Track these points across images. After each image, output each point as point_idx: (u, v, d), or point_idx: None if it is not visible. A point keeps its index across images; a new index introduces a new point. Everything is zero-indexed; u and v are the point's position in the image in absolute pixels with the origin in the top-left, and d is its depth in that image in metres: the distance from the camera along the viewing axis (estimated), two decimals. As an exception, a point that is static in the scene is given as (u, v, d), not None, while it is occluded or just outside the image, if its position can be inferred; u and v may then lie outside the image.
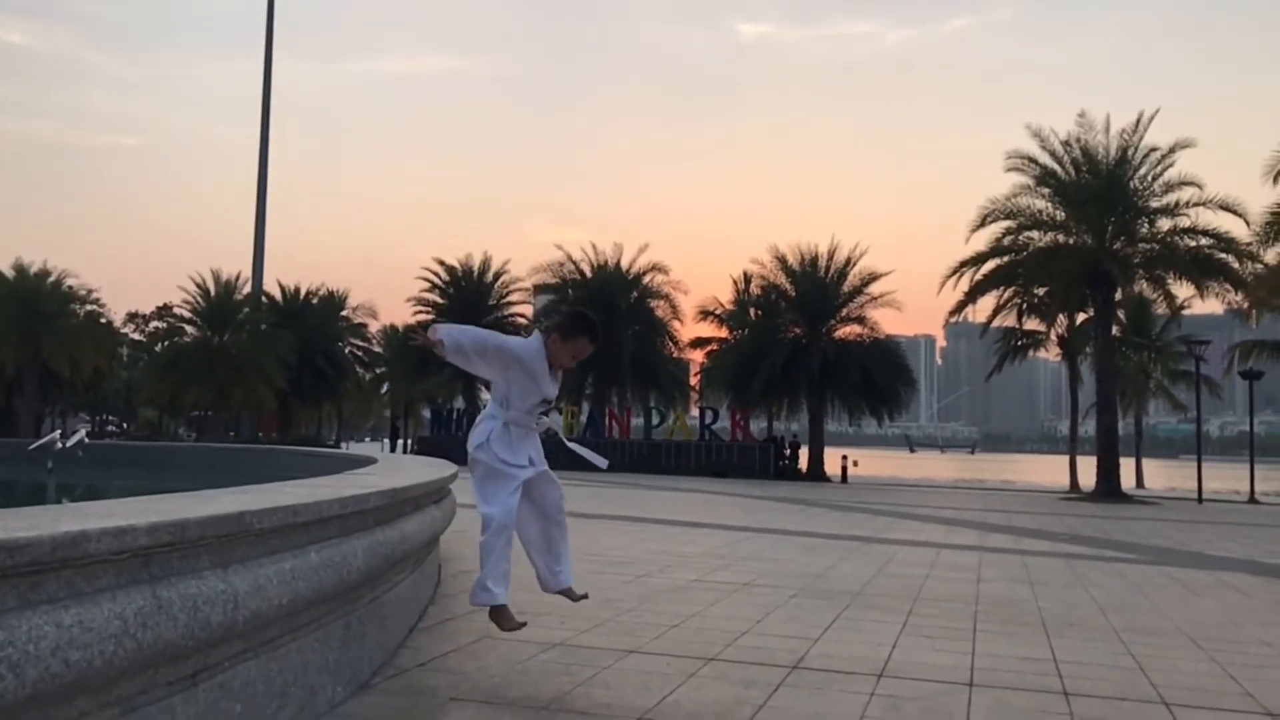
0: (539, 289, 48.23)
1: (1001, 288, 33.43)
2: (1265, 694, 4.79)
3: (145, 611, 2.56)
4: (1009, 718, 4.19)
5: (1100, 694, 4.66)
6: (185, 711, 2.87)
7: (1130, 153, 30.52)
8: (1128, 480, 34.74)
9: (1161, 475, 58.22)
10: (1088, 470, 33.84)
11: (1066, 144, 31.03)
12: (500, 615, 4.53)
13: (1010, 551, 11.87)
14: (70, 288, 51.74)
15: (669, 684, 4.54)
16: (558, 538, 4.78)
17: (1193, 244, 29.57)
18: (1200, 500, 30.17)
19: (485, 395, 53.98)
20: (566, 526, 4.83)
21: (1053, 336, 42.65)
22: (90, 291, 53.25)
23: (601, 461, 5.35)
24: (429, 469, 6.80)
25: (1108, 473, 29.97)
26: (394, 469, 6.71)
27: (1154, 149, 30.29)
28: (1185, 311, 36.06)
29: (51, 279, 50.73)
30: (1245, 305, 30.23)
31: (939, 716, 4.17)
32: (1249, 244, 28.49)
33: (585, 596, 4.92)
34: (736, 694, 4.41)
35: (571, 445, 5.32)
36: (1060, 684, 4.84)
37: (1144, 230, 30.43)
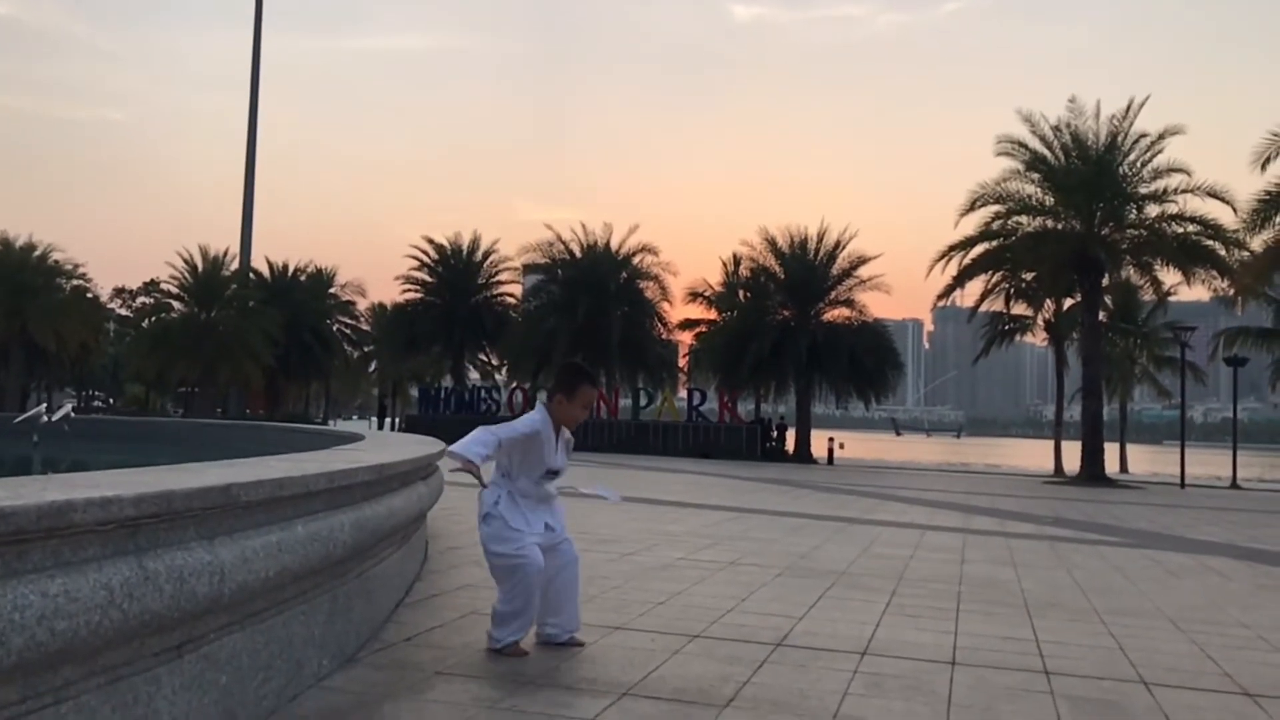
0: (528, 269, 48.01)
1: (989, 272, 33.49)
2: (1243, 674, 4.85)
3: (131, 582, 2.56)
4: (991, 695, 4.23)
5: (1081, 673, 4.71)
6: (171, 682, 2.88)
7: (1120, 139, 30.55)
8: (1112, 465, 34.95)
9: (1145, 460, 58.61)
10: (1072, 455, 34.02)
11: (1057, 129, 31.05)
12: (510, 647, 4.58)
13: (994, 534, 11.94)
14: (56, 262, 51.45)
15: (653, 660, 4.57)
16: (565, 599, 4.72)
17: (1180, 230, 29.65)
18: (1183, 485, 30.39)
19: (474, 375, 54.12)
20: (574, 600, 4.77)
21: (1040, 321, 42.77)
22: (77, 266, 53.02)
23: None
24: (417, 446, 6.81)
25: (1092, 457, 30.13)
26: (381, 445, 6.71)
27: (1143, 135, 30.33)
28: (1171, 298, 36.25)
29: (37, 253, 50.42)
30: (1231, 292, 30.32)
31: (921, 694, 4.21)
32: (1236, 231, 28.57)
33: (581, 645, 4.76)
34: (721, 670, 4.44)
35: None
36: (1041, 663, 4.89)
37: (1132, 216, 30.49)
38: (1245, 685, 4.62)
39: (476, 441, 4.48)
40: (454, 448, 4.45)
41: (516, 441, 4.58)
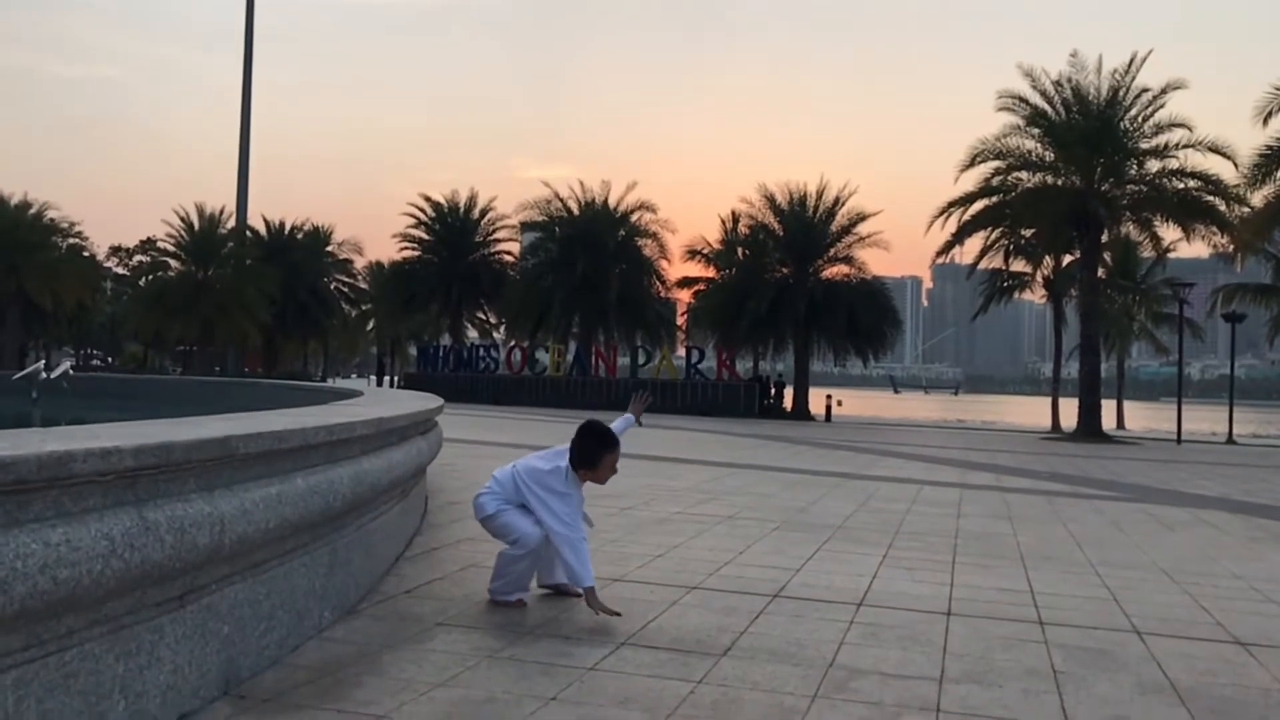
0: (526, 226, 47.79)
1: (989, 228, 33.37)
2: (1235, 624, 4.90)
3: (132, 532, 2.58)
4: (986, 645, 4.27)
5: (1075, 623, 4.76)
6: (173, 632, 2.90)
7: (1121, 93, 30.28)
8: (1109, 421, 35.06)
9: (1142, 417, 58.79)
10: (1070, 411, 34.12)
11: (1058, 84, 30.77)
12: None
13: (991, 489, 12.01)
14: (52, 220, 51.25)
15: (652, 611, 4.61)
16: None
17: (1180, 186, 29.49)
18: (1179, 441, 30.52)
19: (472, 333, 54.02)
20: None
21: (1039, 278, 42.79)
22: (73, 224, 52.87)
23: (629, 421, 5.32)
24: (416, 401, 6.83)
25: (1089, 413, 30.20)
26: (380, 401, 6.73)
27: (1145, 90, 30.04)
28: (1170, 255, 36.14)
29: (33, 211, 50.17)
30: (1231, 248, 30.23)
31: (917, 643, 4.25)
32: (1236, 186, 28.41)
33: (579, 595, 4.75)
34: (718, 621, 4.48)
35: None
36: (1036, 614, 4.94)
37: (1132, 172, 30.32)
38: (1238, 635, 4.67)
39: (586, 554, 4.44)
40: (588, 581, 4.36)
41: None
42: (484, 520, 4.67)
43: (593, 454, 4.63)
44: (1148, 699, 3.61)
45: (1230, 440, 32.50)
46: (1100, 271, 34.74)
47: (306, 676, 3.43)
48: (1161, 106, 29.82)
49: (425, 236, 50.27)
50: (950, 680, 3.72)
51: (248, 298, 47.22)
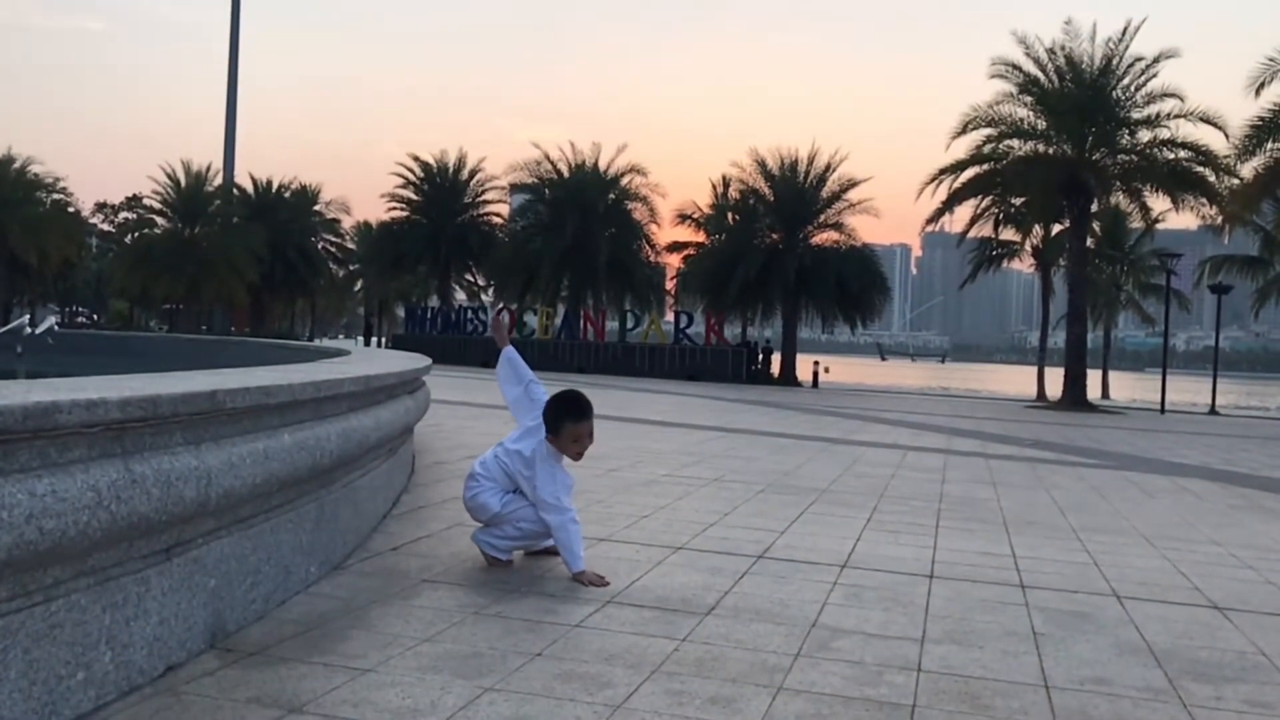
0: (515, 188, 47.58)
1: (979, 196, 33.32)
2: (1212, 588, 4.97)
3: (119, 484, 2.57)
4: (967, 607, 4.32)
5: (1055, 587, 4.81)
6: (160, 584, 2.91)
7: (1115, 62, 30.18)
8: (1094, 391, 35.27)
9: (1127, 387, 59.14)
10: (1055, 381, 34.31)
11: (1051, 51, 30.64)
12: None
13: (975, 455, 12.09)
14: (36, 175, 50.72)
15: (637, 570, 4.64)
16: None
17: (1171, 156, 29.47)
18: (1163, 410, 30.75)
19: (460, 295, 53.87)
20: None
21: (1027, 247, 42.82)
22: (57, 180, 52.32)
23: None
24: (403, 361, 6.82)
25: (1074, 382, 30.38)
26: (368, 360, 6.72)
27: (1139, 59, 29.95)
28: (1159, 226, 36.28)
29: (16, 165, 49.63)
30: (1219, 220, 30.31)
31: (900, 604, 4.29)
32: (1226, 157, 28.43)
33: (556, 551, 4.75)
34: (703, 580, 4.52)
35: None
36: (1018, 577, 4.99)
37: (1124, 141, 30.29)
38: (1214, 599, 4.73)
39: (579, 539, 4.45)
40: (576, 566, 4.36)
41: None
42: (490, 519, 4.57)
43: (556, 420, 4.54)
44: (1125, 660, 3.66)
45: (1213, 411, 32.75)
46: (1089, 241, 34.80)
47: (293, 630, 3.45)
48: (1154, 76, 29.80)
49: (414, 197, 49.95)
50: (931, 641, 3.77)
51: (235, 256, 46.96)
